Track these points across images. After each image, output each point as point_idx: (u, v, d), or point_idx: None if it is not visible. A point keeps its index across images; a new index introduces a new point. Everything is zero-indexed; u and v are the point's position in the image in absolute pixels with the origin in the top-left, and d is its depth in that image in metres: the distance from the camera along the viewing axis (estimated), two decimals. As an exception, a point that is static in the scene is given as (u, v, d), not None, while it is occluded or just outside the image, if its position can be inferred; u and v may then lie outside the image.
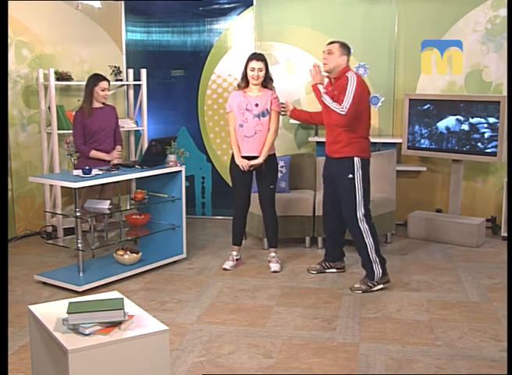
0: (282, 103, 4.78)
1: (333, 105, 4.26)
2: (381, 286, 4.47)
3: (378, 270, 4.45)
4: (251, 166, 4.73)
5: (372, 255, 4.44)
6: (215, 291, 4.45)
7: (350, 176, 4.38)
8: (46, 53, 5.86)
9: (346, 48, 4.40)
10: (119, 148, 5.40)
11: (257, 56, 4.70)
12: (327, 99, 4.31)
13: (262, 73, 4.67)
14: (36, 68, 5.74)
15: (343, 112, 4.23)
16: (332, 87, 4.41)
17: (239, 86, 4.80)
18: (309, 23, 6.19)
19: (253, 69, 4.64)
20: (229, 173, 4.91)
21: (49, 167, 5.79)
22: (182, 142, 5.92)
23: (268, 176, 4.81)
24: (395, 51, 6.08)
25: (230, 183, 4.99)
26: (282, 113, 4.81)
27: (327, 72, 4.42)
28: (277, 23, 6.27)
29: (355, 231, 4.45)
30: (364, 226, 4.42)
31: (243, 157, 4.75)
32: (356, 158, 4.38)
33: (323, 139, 6.11)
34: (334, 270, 4.83)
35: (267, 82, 4.74)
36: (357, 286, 4.46)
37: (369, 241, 4.44)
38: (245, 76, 4.71)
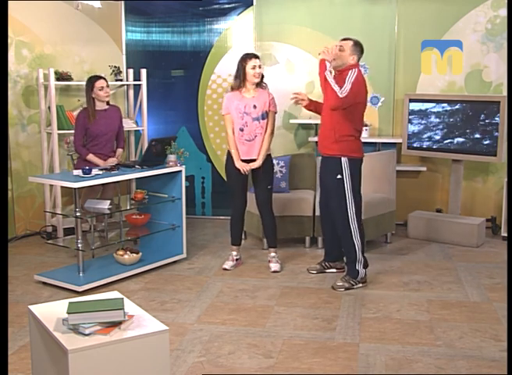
0: (297, 93, 4.63)
1: (333, 84, 4.21)
2: (360, 285, 4.51)
3: (361, 270, 4.49)
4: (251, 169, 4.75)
5: (359, 255, 4.47)
6: (215, 291, 4.45)
7: (339, 176, 4.37)
8: (46, 53, 5.86)
9: (358, 47, 4.37)
10: (119, 151, 5.39)
11: (254, 54, 4.71)
12: (330, 77, 4.24)
13: (261, 70, 4.69)
14: (36, 68, 5.74)
15: (341, 95, 4.19)
16: (334, 78, 4.37)
17: (232, 88, 4.78)
18: (309, 23, 6.19)
19: (254, 67, 4.64)
20: (225, 173, 4.92)
21: (49, 167, 5.79)
22: (182, 142, 5.92)
23: (264, 177, 4.81)
24: (395, 51, 6.08)
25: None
26: (298, 103, 4.68)
27: (334, 67, 4.38)
28: (277, 23, 6.27)
29: (344, 230, 4.45)
30: (354, 226, 4.43)
31: (244, 160, 4.75)
32: (343, 159, 4.36)
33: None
34: (334, 270, 4.83)
35: (261, 80, 4.75)
36: (340, 284, 4.48)
37: (357, 241, 4.46)
38: (240, 76, 4.69)
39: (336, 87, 4.21)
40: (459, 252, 5.40)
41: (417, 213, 5.96)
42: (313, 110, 4.75)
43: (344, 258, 4.63)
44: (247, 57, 4.67)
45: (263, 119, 4.71)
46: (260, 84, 4.75)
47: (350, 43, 4.35)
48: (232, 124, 4.76)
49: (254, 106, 4.69)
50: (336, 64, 4.36)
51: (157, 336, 2.51)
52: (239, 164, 4.73)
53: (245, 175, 4.81)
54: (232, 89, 4.78)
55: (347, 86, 4.21)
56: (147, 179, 4.95)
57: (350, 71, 4.28)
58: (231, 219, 4.99)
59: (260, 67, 4.67)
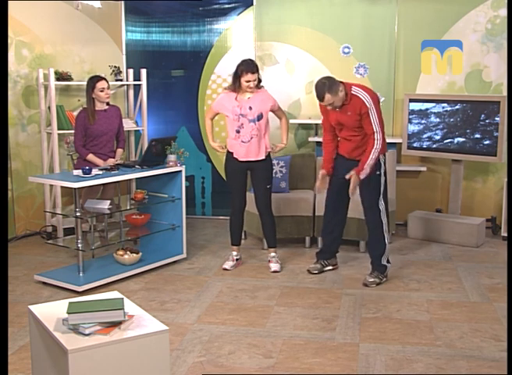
0: (319, 183, 4.62)
1: (375, 151, 4.30)
2: (385, 279, 4.59)
3: (387, 264, 4.58)
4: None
5: (387, 249, 4.55)
6: (215, 291, 4.45)
7: (378, 172, 4.45)
8: (46, 53, 5.86)
9: (334, 86, 4.22)
10: (120, 151, 5.38)
11: (251, 68, 4.62)
12: (369, 163, 4.30)
13: (256, 81, 4.68)
14: (36, 68, 5.74)
15: (379, 133, 4.31)
16: (341, 108, 4.35)
17: (229, 88, 4.78)
18: (309, 23, 6.19)
19: (248, 81, 4.63)
20: (225, 173, 4.93)
21: (49, 167, 5.79)
22: (182, 142, 5.92)
23: (264, 177, 4.81)
24: (395, 51, 6.08)
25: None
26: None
27: (339, 106, 4.36)
28: (277, 23, 6.27)
29: (377, 224, 4.50)
30: (384, 219, 4.51)
31: (242, 162, 4.76)
32: (381, 156, 4.45)
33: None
34: (330, 267, 4.87)
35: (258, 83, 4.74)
36: (372, 280, 4.54)
37: (386, 235, 4.54)
38: (237, 81, 4.67)
39: (377, 149, 4.30)
40: (459, 252, 5.40)
41: (417, 213, 5.96)
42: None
43: (370, 255, 4.65)
44: (244, 70, 4.61)
45: (259, 120, 4.71)
46: (258, 83, 4.75)
47: (328, 95, 4.22)
48: (213, 114, 4.90)
49: (250, 108, 4.69)
50: (337, 105, 4.33)
51: (157, 336, 2.51)
52: (212, 144, 4.93)
53: (244, 174, 4.82)
54: (229, 89, 4.77)
55: (376, 122, 4.28)
56: (147, 179, 4.95)
57: (364, 99, 4.25)
58: (230, 219, 5.00)
59: (255, 80, 4.64)
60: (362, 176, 4.33)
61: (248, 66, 4.64)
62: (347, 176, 4.35)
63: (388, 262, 4.60)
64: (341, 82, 4.31)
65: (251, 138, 4.72)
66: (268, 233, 4.98)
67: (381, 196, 4.49)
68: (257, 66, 4.70)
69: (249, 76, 4.61)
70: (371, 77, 6.12)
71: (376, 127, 4.31)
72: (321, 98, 4.27)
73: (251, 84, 4.64)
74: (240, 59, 4.75)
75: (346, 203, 4.70)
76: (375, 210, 4.50)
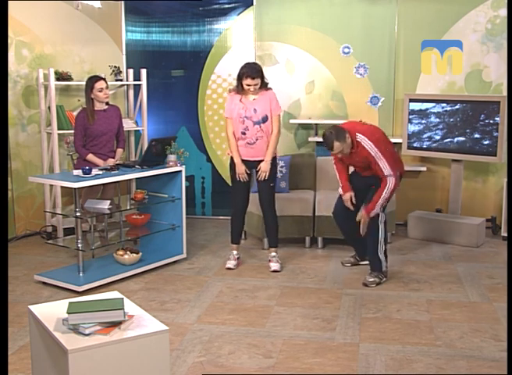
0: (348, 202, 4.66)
1: (387, 191, 4.39)
2: (384, 279, 4.58)
3: (384, 263, 4.58)
4: (260, 174, 4.75)
5: (381, 239, 4.53)
6: (215, 291, 4.45)
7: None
8: (46, 53, 5.86)
9: (341, 134, 4.30)
10: (119, 151, 5.37)
11: (252, 73, 4.59)
12: (380, 202, 4.40)
13: (258, 85, 4.65)
14: (36, 68, 5.74)
15: (392, 176, 4.37)
16: (349, 155, 4.44)
17: (234, 90, 4.77)
18: (309, 23, 6.19)
19: (248, 85, 4.63)
20: (229, 172, 4.92)
21: (49, 167, 5.79)
22: (182, 142, 5.92)
23: (268, 175, 4.80)
24: (395, 51, 6.08)
25: (230, 183, 5.00)
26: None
27: (347, 153, 4.42)
28: (277, 23, 6.27)
29: (373, 221, 4.49)
30: (381, 214, 4.51)
31: (248, 161, 4.76)
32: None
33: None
34: (367, 262, 4.83)
35: (262, 85, 4.71)
36: (372, 280, 4.53)
37: (382, 234, 4.53)
38: (239, 83, 4.66)
39: (389, 187, 4.38)
40: (459, 252, 5.40)
41: (417, 213, 5.96)
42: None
43: (367, 249, 4.66)
44: (245, 74, 4.60)
45: (263, 122, 4.70)
46: (264, 86, 4.72)
47: (336, 143, 4.30)
48: (234, 129, 4.76)
49: (255, 110, 4.68)
50: (347, 152, 4.39)
51: (157, 336, 2.51)
52: (238, 169, 4.76)
53: (249, 173, 4.82)
54: (234, 91, 4.76)
55: (383, 161, 4.34)
56: (147, 179, 4.95)
57: (364, 144, 4.32)
58: (232, 217, 5.00)
59: (256, 84, 4.61)
60: (372, 215, 4.44)
61: (249, 70, 4.62)
62: (358, 218, 4.48)
63: (385, 255, 4.57)
64: (344, 127, 4.39)
65: (257, 140, 4.71)
66: (270, 232, 4.98)
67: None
68: (259, 71, 4.64)
69: (248, 81, 4.61)
70: (371, 77, 6.12)
71: (387, 171, 4.36)
72: (330, 146, 4.35)
73: (251, 88, 4.64)
74: (244, 61, 4.77)
75: (355, 213, 4.67)
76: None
